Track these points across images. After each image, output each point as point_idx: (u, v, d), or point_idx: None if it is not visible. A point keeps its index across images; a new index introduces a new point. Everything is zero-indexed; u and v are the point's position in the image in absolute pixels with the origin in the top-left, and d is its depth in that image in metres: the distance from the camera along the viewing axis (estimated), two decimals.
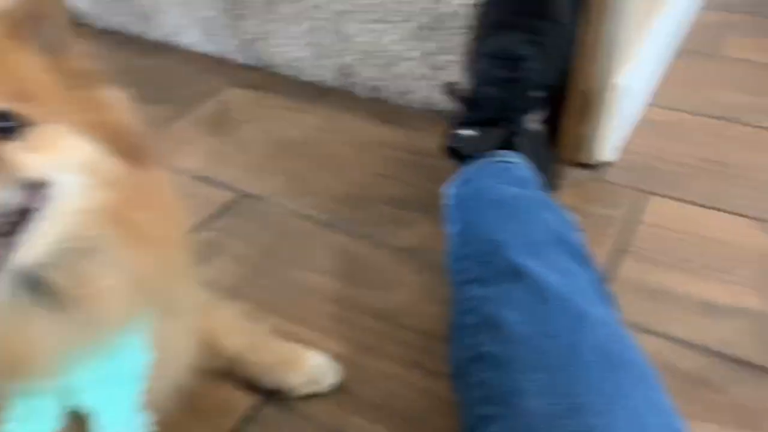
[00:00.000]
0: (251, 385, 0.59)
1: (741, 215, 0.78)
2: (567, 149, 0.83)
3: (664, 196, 0.82)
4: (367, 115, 1.01)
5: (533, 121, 0.71)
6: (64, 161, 0.36)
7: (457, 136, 0.69)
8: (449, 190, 0.67)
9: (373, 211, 0.82)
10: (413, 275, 0.72)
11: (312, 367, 0.60)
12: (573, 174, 0.86)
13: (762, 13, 1.30)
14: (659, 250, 0.74)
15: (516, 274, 0.53)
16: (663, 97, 1.02)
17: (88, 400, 0.40)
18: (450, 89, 0.71)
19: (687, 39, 1.20)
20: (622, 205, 0.81)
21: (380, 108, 1.03)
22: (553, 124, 0.78)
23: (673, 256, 0.73)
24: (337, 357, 0.61)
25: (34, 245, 0.35)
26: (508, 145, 0.68)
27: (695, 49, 1.17)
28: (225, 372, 0.59)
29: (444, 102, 0.84)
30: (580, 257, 0.59)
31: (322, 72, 1.07)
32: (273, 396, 0.59)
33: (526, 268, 0.53)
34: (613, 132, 0.86)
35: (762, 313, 0.66)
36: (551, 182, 0.76)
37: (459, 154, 0.69)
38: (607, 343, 0.48)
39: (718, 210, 0.79)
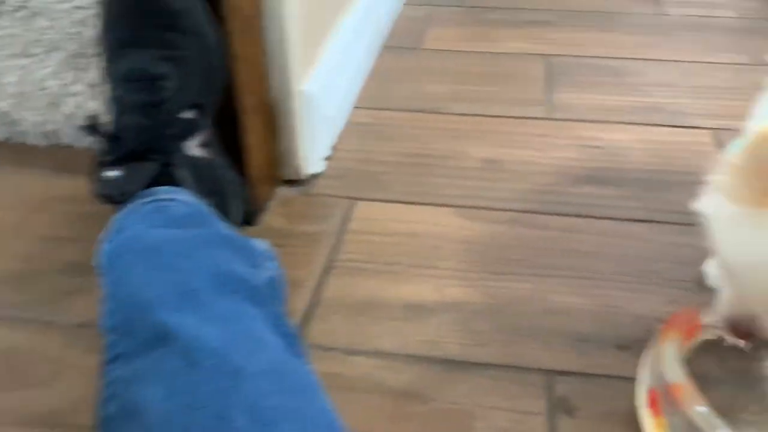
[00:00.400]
0: None
1: (444, 205, 0.77)
2: (264, 168, 0.75)
3: (370, 199, 0.78)
4: (43, 168, 0.84)
5: (196, 147, 0.62)
6: None
7: (101, 179, 0.57)
8: (101, 245, 0.55)
9: (43, 287, 0.67)
10: (86, 356, 0.59)
11: None
12: (280, 193, 0.80)
13: (461, 3, 1.37)
14: (366, 258, 0.69)
15: (164, 337, 0.44)
16: (368, 98, 1.01)
17: None
18: (90, 125, 0.59)
19: (390, 35, 1.21)
20: (332, 217, 0.76)
21: (60, 156, 0.87)
22: (234, 145, 0.70)
23: (379, 262, 0.69)
24: None
25: None
26: (166, 179, 0.58)
27: (398, 45, 1.18)
28: None
29: None
30: (258, 294, 0.51)
31: None
32: None
33: (177, 327, 0.44)
34: (314, 142, 0.81)
35: (465, 302, 0.64)
36: (244, 209, 0.68)
37: (112, 199, 0.58)
38: (265, 399, 0.40)
39: (423, 204, 0.77)
